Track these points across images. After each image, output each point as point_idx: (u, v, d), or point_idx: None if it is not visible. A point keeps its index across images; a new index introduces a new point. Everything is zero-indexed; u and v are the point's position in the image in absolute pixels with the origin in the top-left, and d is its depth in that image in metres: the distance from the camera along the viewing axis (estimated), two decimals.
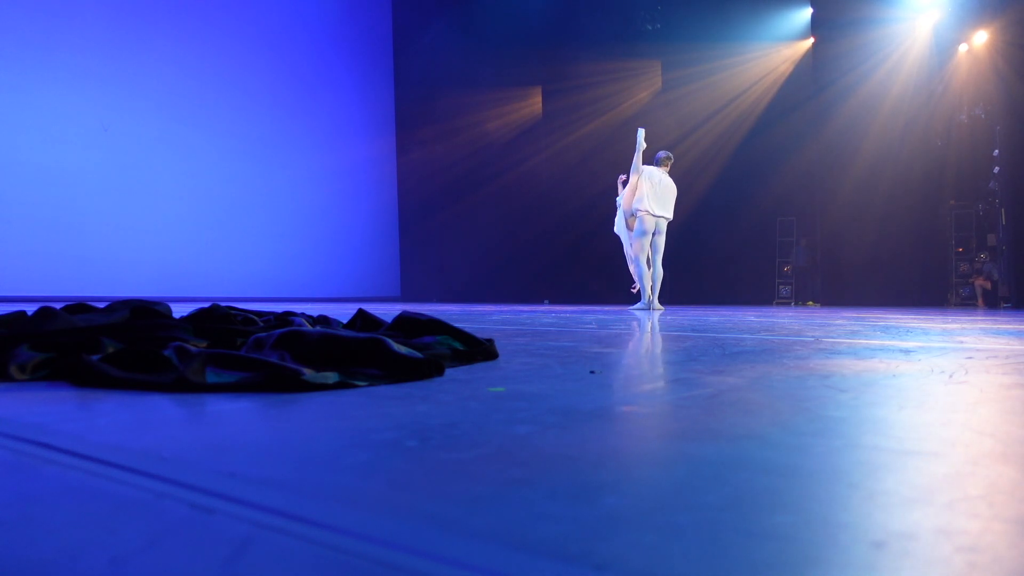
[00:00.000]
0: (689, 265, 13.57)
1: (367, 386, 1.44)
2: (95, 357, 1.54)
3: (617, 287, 11.24)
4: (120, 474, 0.75)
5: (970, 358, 2.05)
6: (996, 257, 11.58)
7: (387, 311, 2.88)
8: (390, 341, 1.61)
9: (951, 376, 1.60)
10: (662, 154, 7.98)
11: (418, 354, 1.61)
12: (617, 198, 8.34)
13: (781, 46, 13.26)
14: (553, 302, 14.25)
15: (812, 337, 3.04)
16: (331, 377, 1.43)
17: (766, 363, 1.90)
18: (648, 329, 3.95)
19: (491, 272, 16.12)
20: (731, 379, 1.56)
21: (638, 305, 8.01)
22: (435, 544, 0.54)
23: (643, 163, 7.88)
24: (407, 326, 2.07)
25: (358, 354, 1.57)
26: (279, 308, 3.72)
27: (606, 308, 8.55)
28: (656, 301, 7.97)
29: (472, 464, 0.79)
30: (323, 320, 2.47)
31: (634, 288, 8.11)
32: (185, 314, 2.19)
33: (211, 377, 1.41)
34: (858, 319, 5.24)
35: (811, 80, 12.89)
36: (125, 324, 1.87)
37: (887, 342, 2.74)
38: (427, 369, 1.56)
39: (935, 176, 11.85)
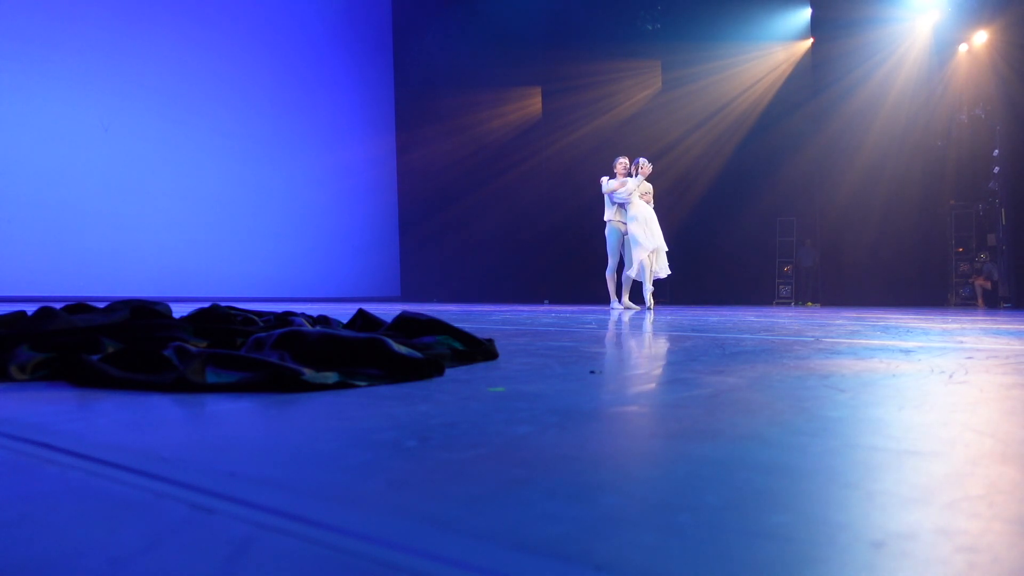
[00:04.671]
0: (689, 265, 13.56)
1: (367, 386, 1.44)
2: (95, 357, 1.54)
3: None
4: (120, 474, 0.75)
5: (970, 358, 2.05)
6: (996, 257, 11.58)
7: (387, 311, 2.88)
8: (390, 341, 1.61)
9: (951, 376, 1.60)
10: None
11: (418, 354, 1.61)
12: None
13: (781, 46, 13.26)
14: (553, 302, 14.25)
15: (812, 337, 3.04)
16: (331, 377, 1.43)
17: (766, 363, 1.90)
18: (648, 329, 3.95)
19: (491, 272, 16.12)
20: (731, 379, 1.56)
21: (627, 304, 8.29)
22: (435, 544, 0.54)
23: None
24: (407, 326, 2.06)
25: (358, 354, 1.57)
26: (279, 308, 3.72)
27: (606, 308, 8.55)
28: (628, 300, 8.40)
29: (472, 464, 0.79)
30: (323, 320, 2.47)
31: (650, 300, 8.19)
32: (185, 314, 2.19)
33: (211, 377, 1.42)
34: (858, 319, 5.24)
35: (811, 80, 12.88)
36: (125, 324, 1.87)
37: (887, 342, 2.74)
38: (427, 369, 1.56)
39: (935, 176, 11.85)
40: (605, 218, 8.31)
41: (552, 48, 15.25)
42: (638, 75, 14.45)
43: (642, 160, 8.09)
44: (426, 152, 17.28)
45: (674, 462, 0.82)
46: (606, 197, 8.24)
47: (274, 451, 0.88)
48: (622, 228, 8.17)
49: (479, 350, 1.95)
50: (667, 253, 8.14)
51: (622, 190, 8.02)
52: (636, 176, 8.03)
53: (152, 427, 1.04)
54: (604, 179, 8.28)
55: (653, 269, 7.99)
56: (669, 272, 8.12)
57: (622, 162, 8.28)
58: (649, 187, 8.18)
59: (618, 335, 3.46)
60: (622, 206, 8.12)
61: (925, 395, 1.33)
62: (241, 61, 14.42)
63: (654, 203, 8.30)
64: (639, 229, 7.89)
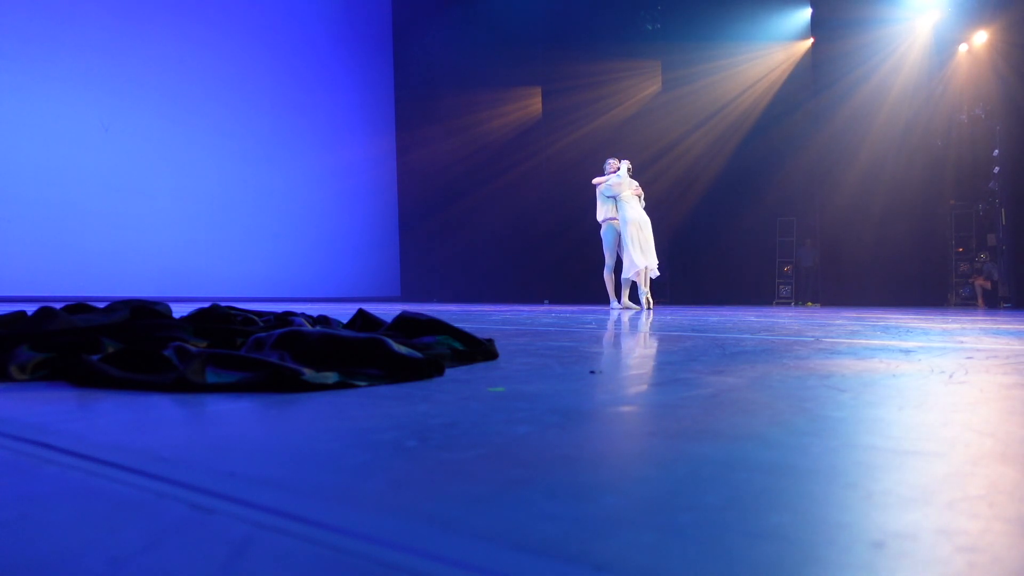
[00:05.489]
0: (689, 265, 13.57)
1: (367, 386, 1.44)
2: (95, 357, 1.54)
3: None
4: (120, 474, 0.75)
5: (970, 358, 2.05)
6: (996, 257, 11.58)
7: (387, 311, 2.88)
8: (390, 341, 1.61)
9: (951, 376, 1.60)
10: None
11: (418, 354, 1.61)
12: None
13: (781, 46, 13.26)
14: (553, 302, 14.24)
15: (812, 337, 3.04)
16: (331, 377, 1.43)
17: (766, 363, 1.90)
18: (647, 329, 3.95)
19: (491, 272, 16.11)
20: (731, 379, 1.56)
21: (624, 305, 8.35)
22: (435, 544, 0.54)
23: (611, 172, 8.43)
24: (407, 326, 2.06)
25: (358, 354, 1.57)
26: (279, 308, 3.72)
27: (606, 308, 8.56)
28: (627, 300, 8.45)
29: (472, 464, 0.79)
30: (323, 320, 2.46)
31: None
32: (185, 314, 2.19)
33: (211, 377, 1.41)
34: (858, 319, 5.24)
35: (811, 80, 12.88)
36: (125, 324, 1.87)
37: (887, 342, 2.74)
38: (427, 369, 1.56)
39: (935, 176, 11.85)
40: (599, 218, 8.43)
41: (552, 48, 15.24)
42: (638, 75, 14.44)
43: (625, 160, 8.38)
44: (426, 152, 17.28)
45: (674, 462, 0.81)
46: (598, 196, 8.40)
47: (274, 451, 0.88)
48: (618, 227, 8.24)
49: (479, 350, 1.95)
50: (659, 252, 8.28)
51: (609, 182, 8.22)
52: (618, 173, 8.24)
53: (152, 427, 1.04)
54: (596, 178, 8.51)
55: (642, 267, 8.08)
56: (657, 273, 8.22)
57: (612, 163, 8.50)
58: (636, 184, 8.32)
59: (617, 335, 3.46)
60: (616, 205, 8.23)
61: (925, 395, 1.33)
62: (241, 61, 14.42)
63: (650, 204, 8.47)
64: (635, 231, 8.00)
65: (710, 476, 0.74)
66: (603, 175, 8.50)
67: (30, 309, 1.98)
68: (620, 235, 8.22)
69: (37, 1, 11.51)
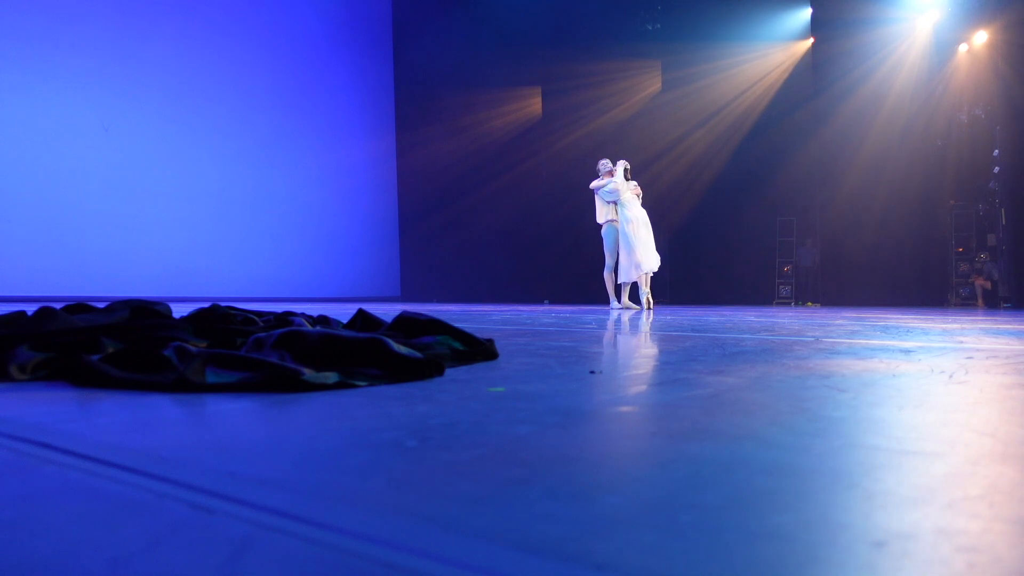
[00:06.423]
0: (689, 265, 13.56)
1: (367, 386, 1.44)
2: (95, 357, 1.54)
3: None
4: (120, 474, 0.75)
5: (970, 358, 2.05)
6: (996, 257, 11.58)
7: (387, 311, 2.88)
8: (390, 341, 1.61)
9: (951, 376, 1.60)
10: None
11: (418, 354, 1.61)
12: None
13: (781, 46, 13.26)
14: (553, 302, 14.24)
15: (812, 337, 3.04)
16: (331, 377, 1.43)
17: (766, 363, 1.90)
18: (647, 329, 3.95)
19: (491, 272, 16.11)
20: (731, 379, 1.56)
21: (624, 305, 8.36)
22: (435, 544, 0.54)
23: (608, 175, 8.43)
24: (407, 326, 2.06)
25: (358, 354, 1.57)
26: (279, 308, 3.72)
27: (606, 308, 8.56)
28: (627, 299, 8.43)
29: (472, 464, 0.79)
30: (323, 320, 2.46)
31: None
32: (185, 314, 2.18)
33: (211, 377, 1.41)
34: (858, 319, 5.24)
35: (811, 80, 12.88)
36: (125, 324, 1.87)
37: (887, 342, 2.74)
38: (427, 369, 1.56)
39: (935, 176, 11.85)
40: (599, 220, 8.44)
41: (552, 48, 15.24)
42: (638, 75, 14.44)
43: (621, 161, 8.37)
44: (426, 152, 17.27)
45: (674, 462, 0.81)
46: (597, 199, 8.40)
47: (274, 451, 0.88)
48: (619, 227, 8.25)
49: (479, 350, 1.95)
50: (659, 251, 8.28)
51: (608, 187, 8.22)
52: (614, 177, 8.23)
53: (152, 427, 1.04)
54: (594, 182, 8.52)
55: (646, 270, 8.07)
56: (659, 262, 8.23)
57: (605, 164, 8.53)
58: (634, 183, 8.34)
59: (617, 335, 3.46)
60: (616, 206, 8.24)
61: (925, 395, 1.33)
62: (241, 61, 14.41)
63: (650, 203, 8.49)
64: (635, 231, 8.01)
65: (710, 476, 0.74)
66: (597, 177, 8.51)
67: (30, 309, 1.98)
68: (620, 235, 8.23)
69: (37, 1, 11.51)
